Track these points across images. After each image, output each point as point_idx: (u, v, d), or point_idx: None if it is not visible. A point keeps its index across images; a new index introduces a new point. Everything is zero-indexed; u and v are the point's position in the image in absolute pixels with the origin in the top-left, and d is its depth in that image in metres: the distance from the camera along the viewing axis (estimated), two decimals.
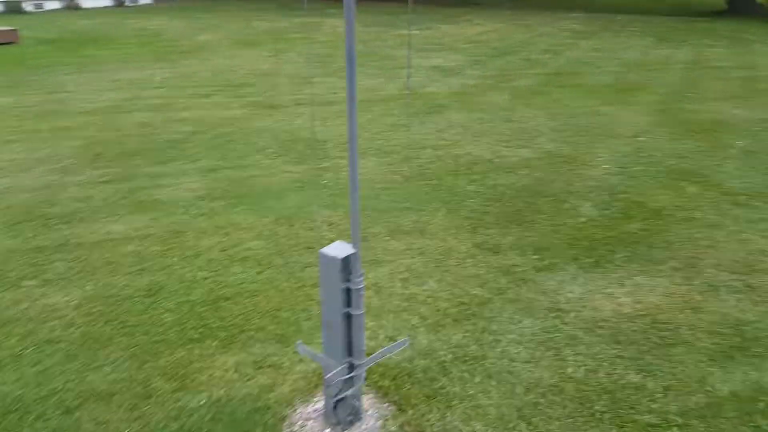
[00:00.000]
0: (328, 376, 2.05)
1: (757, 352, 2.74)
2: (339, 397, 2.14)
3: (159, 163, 5.19)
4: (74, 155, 5.40)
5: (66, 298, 3.14)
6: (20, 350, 2.72)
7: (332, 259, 1.95)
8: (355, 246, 1.97)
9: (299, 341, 2.29)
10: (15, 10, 18.32)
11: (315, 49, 11.99)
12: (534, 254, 3.67)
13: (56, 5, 20.06)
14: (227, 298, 3.14)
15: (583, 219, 4.19)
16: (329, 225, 4.01)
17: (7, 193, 4.56)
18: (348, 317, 2.03)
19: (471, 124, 6.47)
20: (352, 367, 2.10)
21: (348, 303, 2.01)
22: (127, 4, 22.17)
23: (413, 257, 3.61)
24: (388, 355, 2.24)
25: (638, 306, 3.11)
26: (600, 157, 5.46)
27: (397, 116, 6.79)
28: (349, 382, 2.11)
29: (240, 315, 2.99)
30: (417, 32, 14.88)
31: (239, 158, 5.32)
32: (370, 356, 2.18)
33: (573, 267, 3.51)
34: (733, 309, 3.08)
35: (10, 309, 3.04)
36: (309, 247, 3.67)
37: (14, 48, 11.87)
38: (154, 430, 2.26)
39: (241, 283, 3.28)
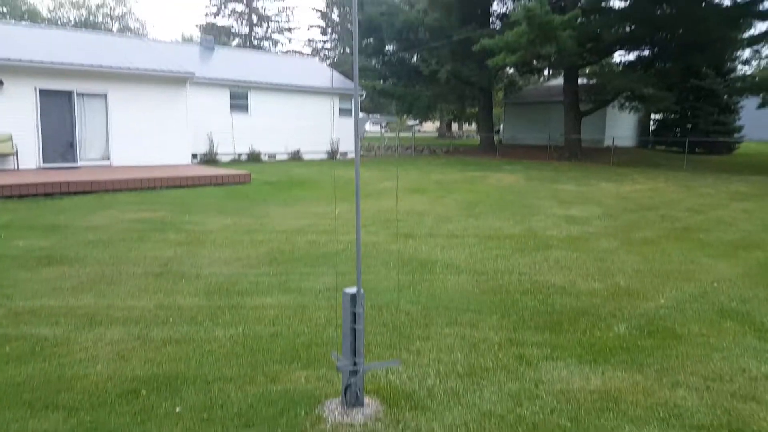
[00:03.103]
0: (339, 365, 3.54)
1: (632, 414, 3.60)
2: (347, 384, 3.59)
3: (310, 266, 7.20)
4: (258, 257, 7.66)
5: (224, 333, 5.02)
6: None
7: (347, 294, 3.52)
8: (358, 289, 3.52)
9: (334, 351, 3.81)
10: (255, 159, 23.82)
11: (469, 197, 13.94)
12: (550, 350, 4.76)
13: (284, 157, 25.28)
14: (305, 343, 4.77)
15: (611, 334, 5.15)
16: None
17: (211, 275, 6.83)
18: (354, 330, 3.54)
19: (564, 261, 7.62)
20: (355, 364, 3.57)
21: (354, 321, 3.53)
22: (338, 158, 26.86)
23: (455, 339, 4.93)
24: (380, 368, 3.64)
25: (602, 387, 4.08)
26: (663, 294, 6.27)
27: (504, 250, 8.19)
28: (354, 374, 3.57)
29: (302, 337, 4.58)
30: (571, 188, 16.21)
31: (366, 268, 7.13)
32: (369, 363, 3.62)
33: (573, 360, 4.55)
34: (679, 398, 3.90)
35: (190, 334, 5.00)
36: (374, 306, 5.20)
37: (245, 186, 15.67)
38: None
39: (316, 325, 4.90)
